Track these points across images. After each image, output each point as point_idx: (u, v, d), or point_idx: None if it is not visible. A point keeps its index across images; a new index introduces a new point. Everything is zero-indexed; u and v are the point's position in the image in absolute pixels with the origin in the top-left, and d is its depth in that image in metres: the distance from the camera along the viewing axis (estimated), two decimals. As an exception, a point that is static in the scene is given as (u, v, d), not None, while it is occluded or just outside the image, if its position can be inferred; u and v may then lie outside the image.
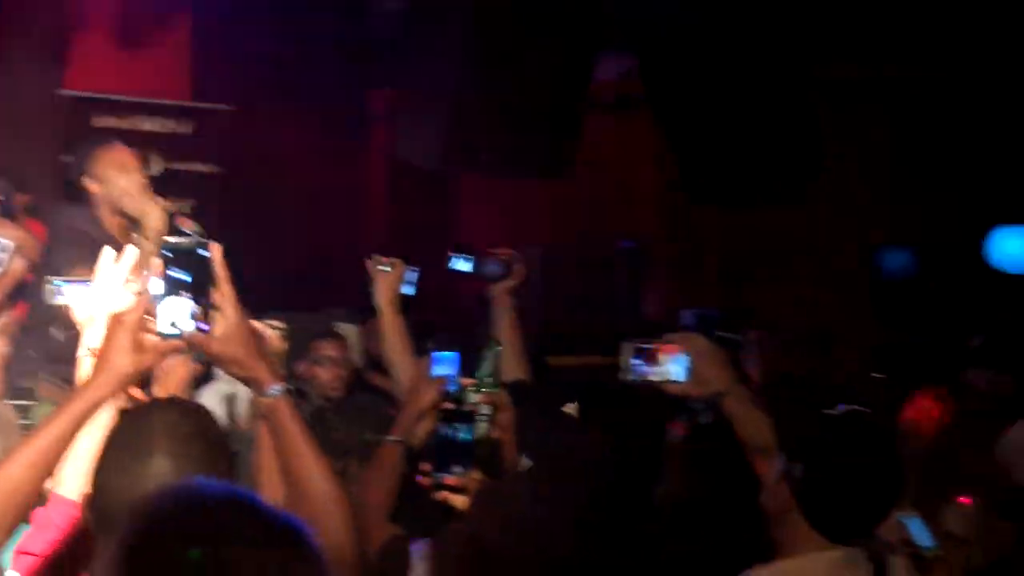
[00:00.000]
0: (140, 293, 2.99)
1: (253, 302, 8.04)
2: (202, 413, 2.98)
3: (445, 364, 4.37)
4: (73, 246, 5.68)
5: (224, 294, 2.92)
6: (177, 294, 2.89)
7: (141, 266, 3.09)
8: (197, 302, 2.89)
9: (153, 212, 5.77)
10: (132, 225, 5.93)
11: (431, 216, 10.35)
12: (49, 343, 5.54)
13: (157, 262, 2.91)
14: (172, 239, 3.00)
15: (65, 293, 3.70)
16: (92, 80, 8.66)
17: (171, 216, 5.79)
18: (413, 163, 8.14)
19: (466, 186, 10.74)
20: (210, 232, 8.35)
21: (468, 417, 3.99)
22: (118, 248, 3.30)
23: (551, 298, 8.81)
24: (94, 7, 8.67)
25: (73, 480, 3.00)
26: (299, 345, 6.50)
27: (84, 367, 3.19)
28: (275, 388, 2.98)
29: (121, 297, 3.09)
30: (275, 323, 4.53)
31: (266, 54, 9.40)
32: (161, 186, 7.59)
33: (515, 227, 10.42)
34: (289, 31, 9.44)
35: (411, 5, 8.57)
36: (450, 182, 10.29)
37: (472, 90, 7.89)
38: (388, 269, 5.48)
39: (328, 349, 6.93)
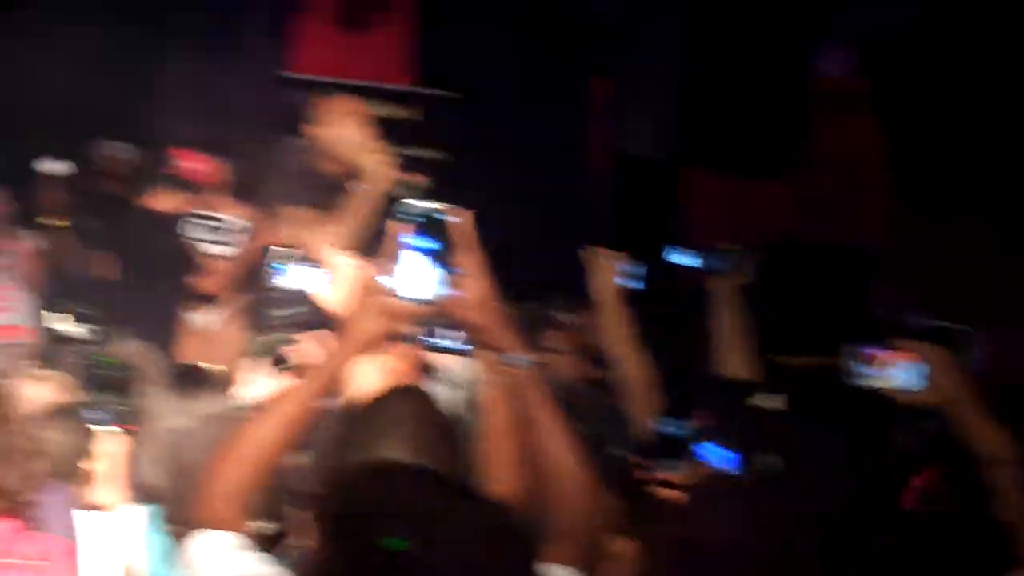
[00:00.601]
0: (382, 257, 2.95)
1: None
2: (433, 402, 2.97)
3: None
4: (291, 181, 5.65)
5: (474, 260, 2.88)
6: (420, 259, 2.86)
7: (361, 214, 3.05)
8: (444, 267, 2.84)
9: (374, 163, 5.50)
10: (352, 175, 5.84)
11: (654, 208, 10.23)
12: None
13: (397, 225, 2.87)
14: (411, 202, 2.96)
15: (288, 273, 3.68)
16: (318, 64, 8.75)
17: (398, 168, 5.64)
18: (637, 155, 8.05)
19: (691, 179, 10.60)
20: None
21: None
22: (334, 190, 3.25)
23: (775, 297, 8.63)
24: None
25: None
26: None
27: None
28: (525, 358, 2.93)
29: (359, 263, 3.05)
30: None
31: (491, 40, 9.42)
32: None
33: (740, 224, 10.25)
34: (510, 16, 9.45)
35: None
36: (675, 174, 10.16)
37: (697, 83, 7.79)
38: (608, 261, 5.42)
39: (557, 339, 6.80)
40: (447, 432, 2.87)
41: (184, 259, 6.20)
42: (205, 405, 4.23)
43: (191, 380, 4.73)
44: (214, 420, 3.78)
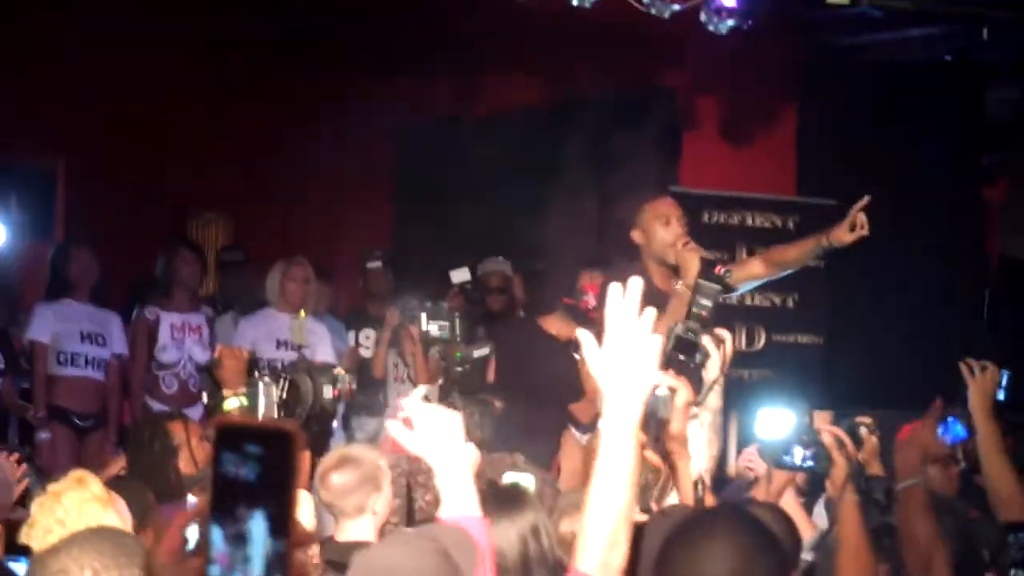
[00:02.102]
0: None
1: (861, 398, 8.11)
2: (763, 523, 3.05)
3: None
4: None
5: None
6: None
7: (680, 311, 3.20)
8: None
9: (692, 261, 5.96)
10: (674, 274, 6.13)
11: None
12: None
13: None
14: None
15: None
16: (702, 177, 9.00)
17: (708, 264, 5.97)
18: (1018, 259, 7.93)
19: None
20: (809, 321, 8.56)
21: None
22: (663, 299, 3.44)
23: None
24: (704, 108, 9.05)
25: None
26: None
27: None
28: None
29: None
30: (863, 419, 4.71)
31: (872, 145, 9.47)
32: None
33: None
34: (896, 122, 9.49)
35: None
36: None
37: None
38: (979, 374, 5.38)
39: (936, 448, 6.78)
40: (770, 547, 2.93)
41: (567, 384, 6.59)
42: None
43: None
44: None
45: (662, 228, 6.16)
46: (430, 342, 6.05)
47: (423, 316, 5.97)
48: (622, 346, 2.67)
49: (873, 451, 4.99)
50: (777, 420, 4.73)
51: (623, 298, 2.70)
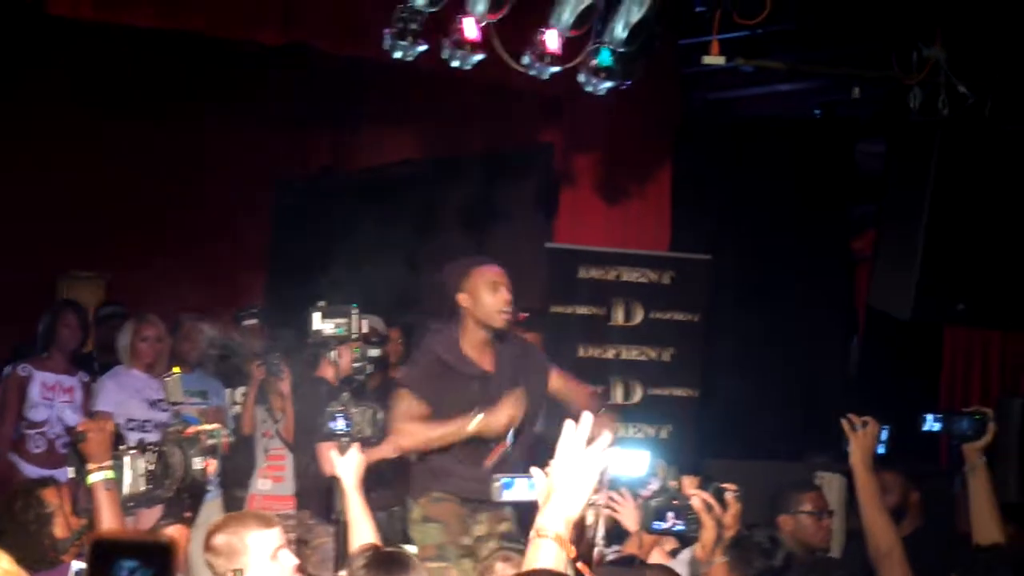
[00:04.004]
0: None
1: (735, 450, 8.21)
2: None
3: None
4: (422, 367, 6.08)
5: None
6: None
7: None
8: None
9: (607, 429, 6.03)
10: (496, 340, 6.30)
11: (904, 366, 10.21)
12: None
13: None
14: None
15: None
16: (579, 233, 9.07)
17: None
18: (887, 312, 8.09)
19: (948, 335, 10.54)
20: (685, 375, 8.67)
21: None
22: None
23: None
24: (581, 164, 9.13)
25: None
26: (777, 495, 6.58)
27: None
28: None
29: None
30: (728, 486, 4.77)
31: (745, 200, 9.64)
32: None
33: (999, 375, 10.13)
34: (768, 176, 9.67)
35: (891, 147, 8.57)
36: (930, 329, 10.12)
37: (946, 238, 7.82)
38: (861, 429, 5.49)
39: (808, 503, 6.86)
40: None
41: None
42: None
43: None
44: None
45: (490, 294, 6.22)
46: (323, 342, 5.86)
47: (316, 315, 5.74)
48: (572, 465, 3.00)
49: (735, 516, 5.07)
50: (633, 459, 4.98)
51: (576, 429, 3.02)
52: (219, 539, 4.60)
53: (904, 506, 7.11)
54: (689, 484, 5.30)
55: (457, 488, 6.13)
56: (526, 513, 4.82)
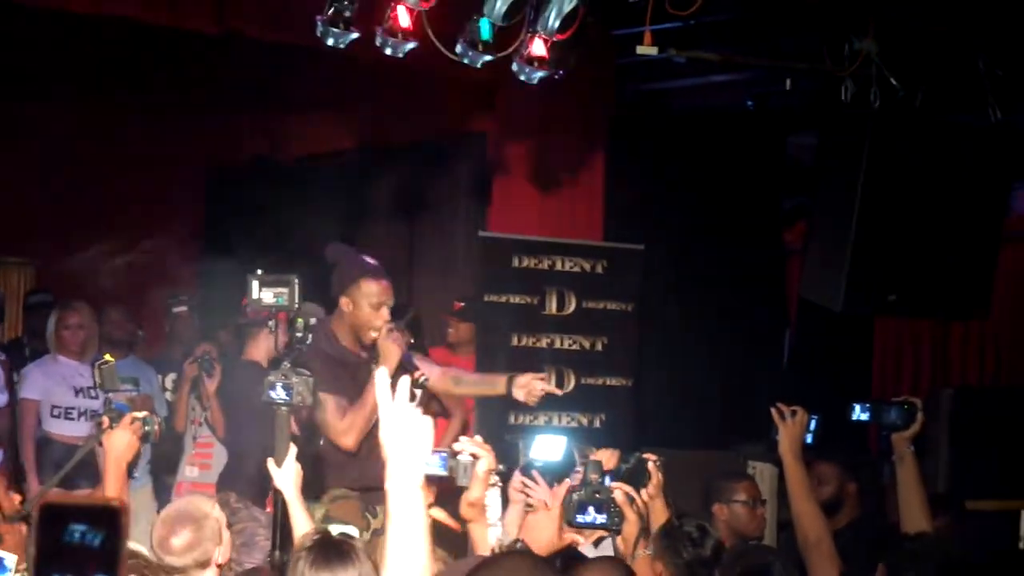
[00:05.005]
0: None
1: (669, 439, 8.25)
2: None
3: None
4: (320, 369, 6.16)
5: None
6: None
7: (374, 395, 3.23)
8: None
9: (392, 352, 6.18)
10: (370, 354, 6.36)
11: (836, 357, 10.29)
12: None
13: None
14: None
15: None
16: (512, 222, 9.07)
17: (408, 367, 6.18)
18: (818, 304, 8.14)
19: (879, 326, 10.64)
20: (618, 364, 8.70)
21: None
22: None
23: (964, 441, 8.60)
24: (514, 154, 9.12)
25: None
26: (711, 484, 6.62)
27: None
28: None
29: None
30: (649, 456, 4.87)
31: (679, 190, 9.68)
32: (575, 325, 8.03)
33: (930, 367, 10.24)
34: (701, 167, 9.71)
35: (822, 139, 8.62)
36: (860, 323, 10.21)
37: (877, 229, 7.87)
38: (790, 418, 5.53)
39: (742, 492, 6.88)
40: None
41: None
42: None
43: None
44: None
45: (370, 311, 6.30)
46: (262, 310, 5.73)
47: (255, 283, 5.57)
48: (397, 422, 2.92)
49: (659, 486, 5.09)
50: (551, 445, 5.06)
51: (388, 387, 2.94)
52: None
53: (841, 497, 7.16)
54: (609, 457, 5.34)
55: (352, 481, 6.14)
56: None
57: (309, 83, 9.66)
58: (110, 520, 1.83)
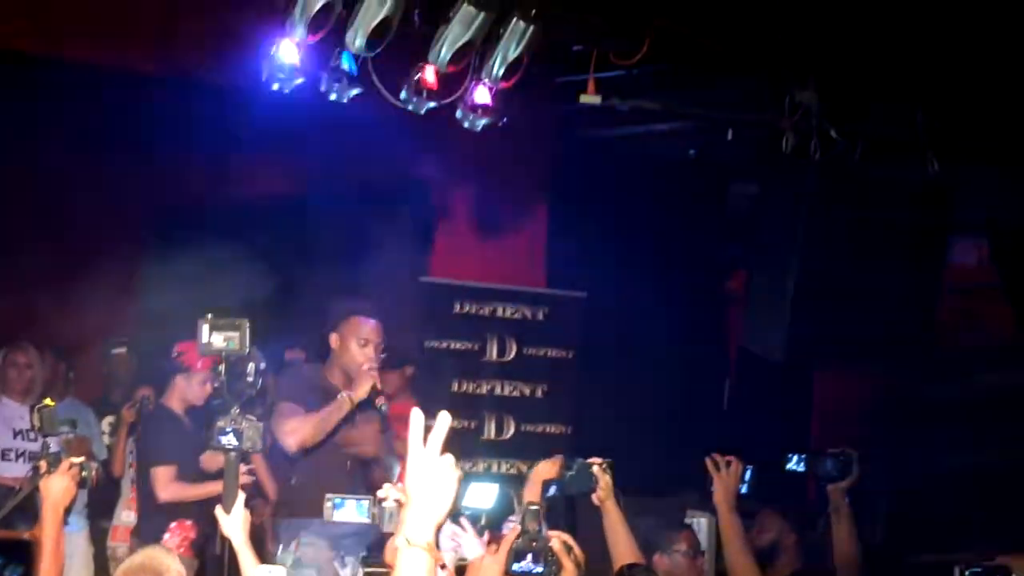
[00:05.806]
0: None
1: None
2: None
3: None
4: (294, 385, 6.19)
5: None
6: None
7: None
8: None
9: (365, 383, 6.45)
10: (350, 386, 6.56)
11: (777, 404, 10.32)
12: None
13: None
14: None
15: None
16: (455, 269, 9.06)
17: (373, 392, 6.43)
18: (758, 354, 8.17)
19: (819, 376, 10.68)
20: (558, 411, 8.68)
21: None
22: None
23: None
24: (457, 200, 9.12)
25: None
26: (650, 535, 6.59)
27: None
28: None
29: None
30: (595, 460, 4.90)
31: (620, 238, 9.68)
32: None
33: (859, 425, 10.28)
34: (643, 215, 9.73)
35: (763, 189, 8.67)
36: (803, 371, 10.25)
37: (817, 281, 7.91)
38: (724, 469, 5.55)
39: (683, 543, 6.84)
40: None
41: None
42: None
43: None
44: None
45: (358, 349, 6.59)
46: (212, 354, 5.66)
47: (204, 327, 5.48)
48: (425, 469, 2.84)
49: (608, 488, 5.10)
50: (483, 492, 5.23)
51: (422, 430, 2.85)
52: None
53: (779, 546, 7.16)
54: (552, 465, 5.35)
55: (320, 529, 6.12)
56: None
57: (250, 127, 9.61)
58: (26, 554, 1.84)
